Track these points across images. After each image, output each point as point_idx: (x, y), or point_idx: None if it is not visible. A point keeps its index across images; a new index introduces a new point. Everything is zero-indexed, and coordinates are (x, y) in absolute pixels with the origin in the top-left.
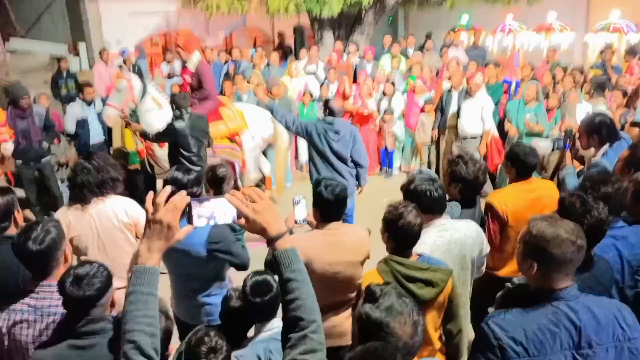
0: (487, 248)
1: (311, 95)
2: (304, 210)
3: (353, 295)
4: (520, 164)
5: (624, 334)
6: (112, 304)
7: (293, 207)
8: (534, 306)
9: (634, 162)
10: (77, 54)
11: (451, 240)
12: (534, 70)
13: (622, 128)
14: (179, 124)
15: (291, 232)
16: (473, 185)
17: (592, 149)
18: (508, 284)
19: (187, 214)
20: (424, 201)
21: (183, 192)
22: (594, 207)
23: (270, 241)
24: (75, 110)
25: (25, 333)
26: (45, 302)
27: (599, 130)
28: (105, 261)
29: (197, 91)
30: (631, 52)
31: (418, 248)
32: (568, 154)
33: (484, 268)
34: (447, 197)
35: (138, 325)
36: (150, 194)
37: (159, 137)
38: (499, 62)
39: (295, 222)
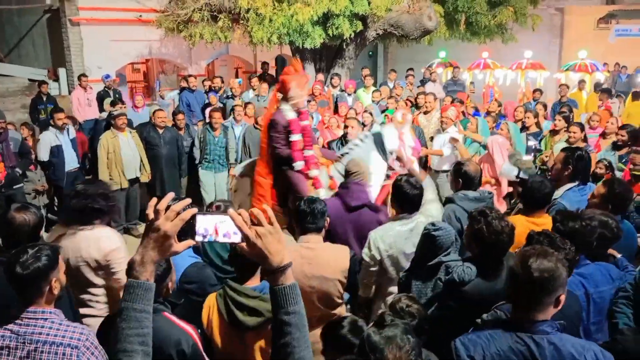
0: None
1: None
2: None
3: (333, 312)
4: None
5: None
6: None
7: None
8: (501, 331)
9: (611, 198)
10: (56, 79)
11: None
12: (501, 107)
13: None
14: None
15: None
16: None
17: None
18: (478, 320)
19: (189, 228)
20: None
21: (188, 200)
22: (560, 247)
23: (270, 273)
24: (49, 138)
25: None
26: (29, 329)
27: (576, 162)
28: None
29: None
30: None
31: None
32: None
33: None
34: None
35: (130, 345)
36: (153, 200)
37: None
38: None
39: None
